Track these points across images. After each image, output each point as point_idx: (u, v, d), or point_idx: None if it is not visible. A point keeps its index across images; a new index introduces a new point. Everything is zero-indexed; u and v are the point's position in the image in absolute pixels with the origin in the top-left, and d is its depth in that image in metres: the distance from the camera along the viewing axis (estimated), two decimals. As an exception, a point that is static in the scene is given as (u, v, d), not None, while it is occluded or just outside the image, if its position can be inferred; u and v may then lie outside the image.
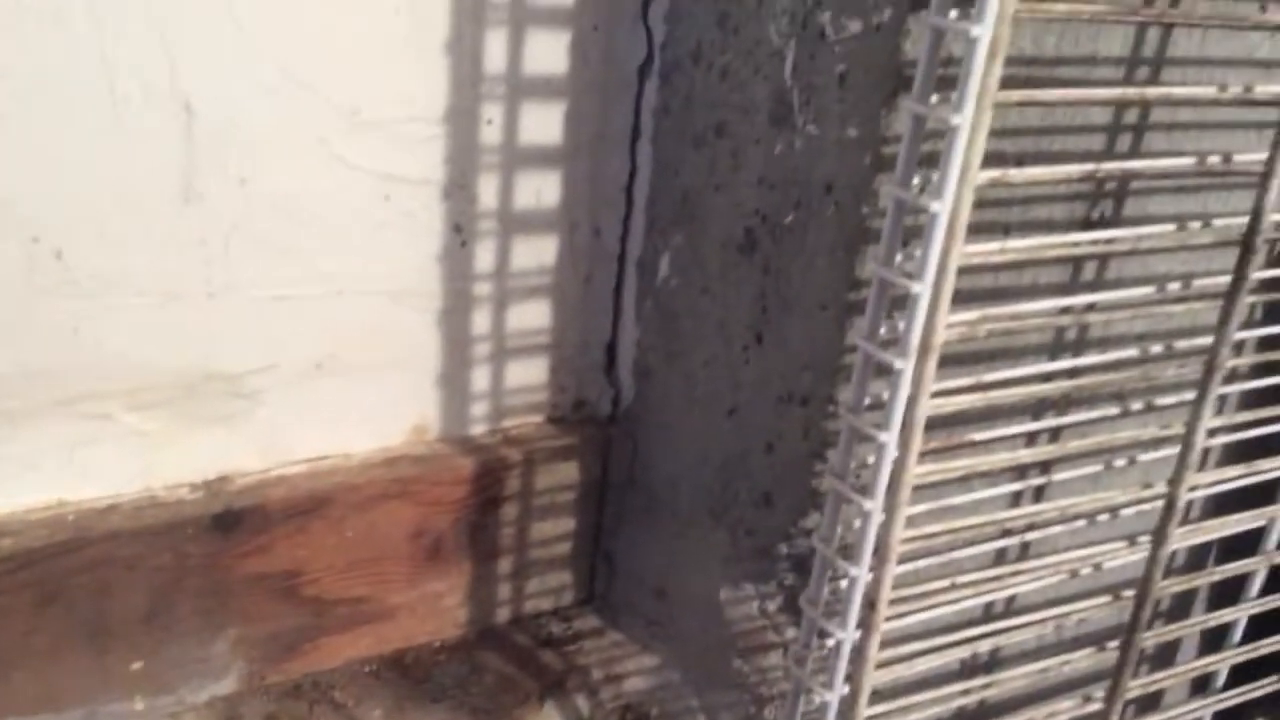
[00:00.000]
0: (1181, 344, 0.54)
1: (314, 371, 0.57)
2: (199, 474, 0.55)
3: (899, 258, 0.43)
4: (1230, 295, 0.47)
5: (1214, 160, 0.47)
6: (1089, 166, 0.44)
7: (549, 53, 0.57)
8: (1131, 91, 0.49)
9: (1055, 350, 0.55)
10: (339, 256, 0.55)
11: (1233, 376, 0.56)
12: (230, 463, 0.56)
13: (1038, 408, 0.55)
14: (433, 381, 0.61)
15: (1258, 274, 0.47)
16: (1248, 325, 0.58)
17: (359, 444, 0.60)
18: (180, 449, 0.54)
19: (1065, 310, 0.51)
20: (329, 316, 0.56)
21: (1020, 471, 0.56)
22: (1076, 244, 0.49)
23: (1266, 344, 0.57)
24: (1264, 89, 0.46)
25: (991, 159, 0.40)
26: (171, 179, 0.50)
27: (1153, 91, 0.49)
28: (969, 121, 0.38)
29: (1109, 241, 0.49)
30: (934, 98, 0.39)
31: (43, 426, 0.51)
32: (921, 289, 0.41)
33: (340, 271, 0.55)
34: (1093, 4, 0.43)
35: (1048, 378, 0.51)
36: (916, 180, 0.41)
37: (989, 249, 0.43)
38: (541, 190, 0.60)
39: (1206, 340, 0.48)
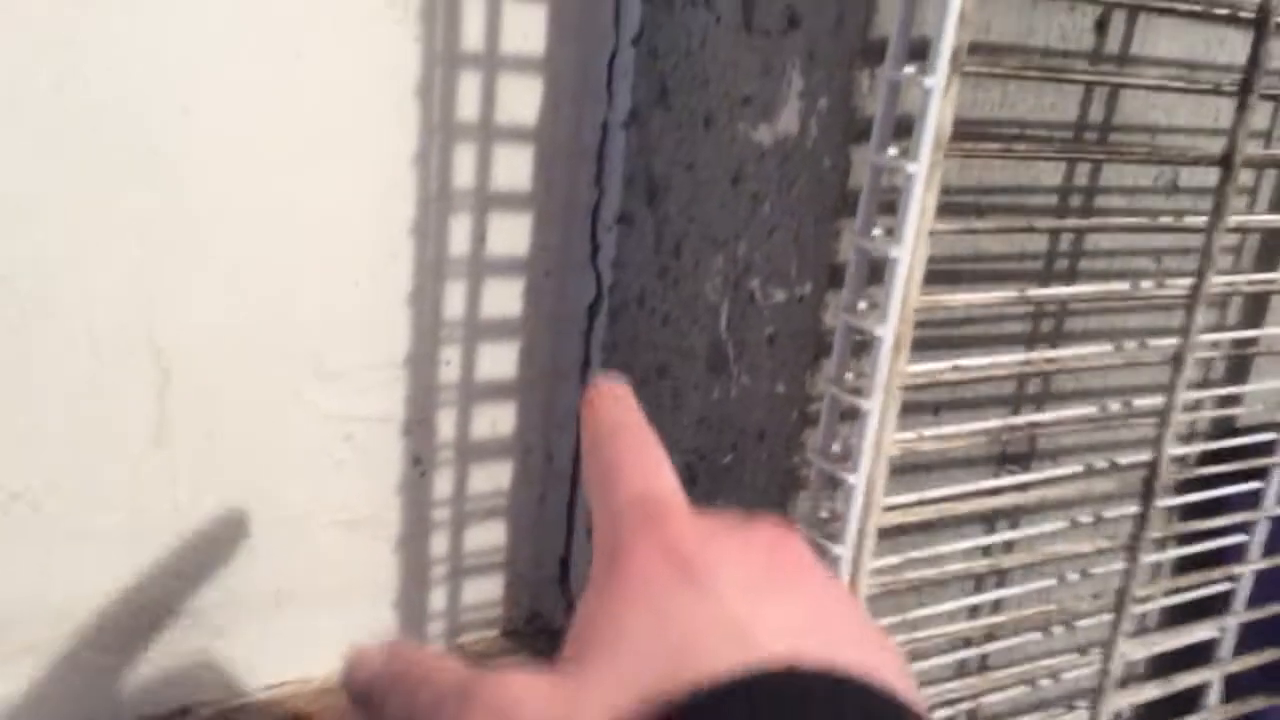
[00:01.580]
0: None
1: (273, 602, 0.59)
2: (161, 706, 0.57)
3: (824, 513, 0.46)
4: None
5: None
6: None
7: (505, 298, 0.61)
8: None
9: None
10: (301, 492, 0.58)
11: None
12: (191, 694, 0.58)
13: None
14: (390, 603, 0.63)
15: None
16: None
17: (318, 668, 0.62)
18: (141, 684, 0.56)
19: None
20: (290, 549, 0.59)
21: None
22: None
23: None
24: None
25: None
26: (145, 426, 0.53)
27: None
28: (879, 405, 0.42)
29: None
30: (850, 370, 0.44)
31: (5, 670, 0.53)
32: (845, 550, 0.44)
33: (302, 506, 0.58)
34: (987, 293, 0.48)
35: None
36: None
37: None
38: (497, 420, 0.64)
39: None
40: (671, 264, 0.59)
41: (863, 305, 0.45)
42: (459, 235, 0.58)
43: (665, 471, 0.29)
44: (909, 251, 0.41)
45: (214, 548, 0.57)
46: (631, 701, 0.23)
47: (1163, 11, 0.50)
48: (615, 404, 0.31)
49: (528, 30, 0.57)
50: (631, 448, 0.30)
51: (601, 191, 0.62)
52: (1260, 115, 0.61)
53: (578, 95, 0.60)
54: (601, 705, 0.24)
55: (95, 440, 0.52)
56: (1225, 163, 0.48)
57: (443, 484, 0.63)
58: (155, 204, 0.50)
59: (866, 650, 0.26)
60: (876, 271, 0.43)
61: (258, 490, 0.57)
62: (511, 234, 0.60)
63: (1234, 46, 0.56)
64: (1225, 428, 0.66)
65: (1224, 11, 0.47)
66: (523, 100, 0.58)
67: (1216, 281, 0.51)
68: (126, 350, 0.51)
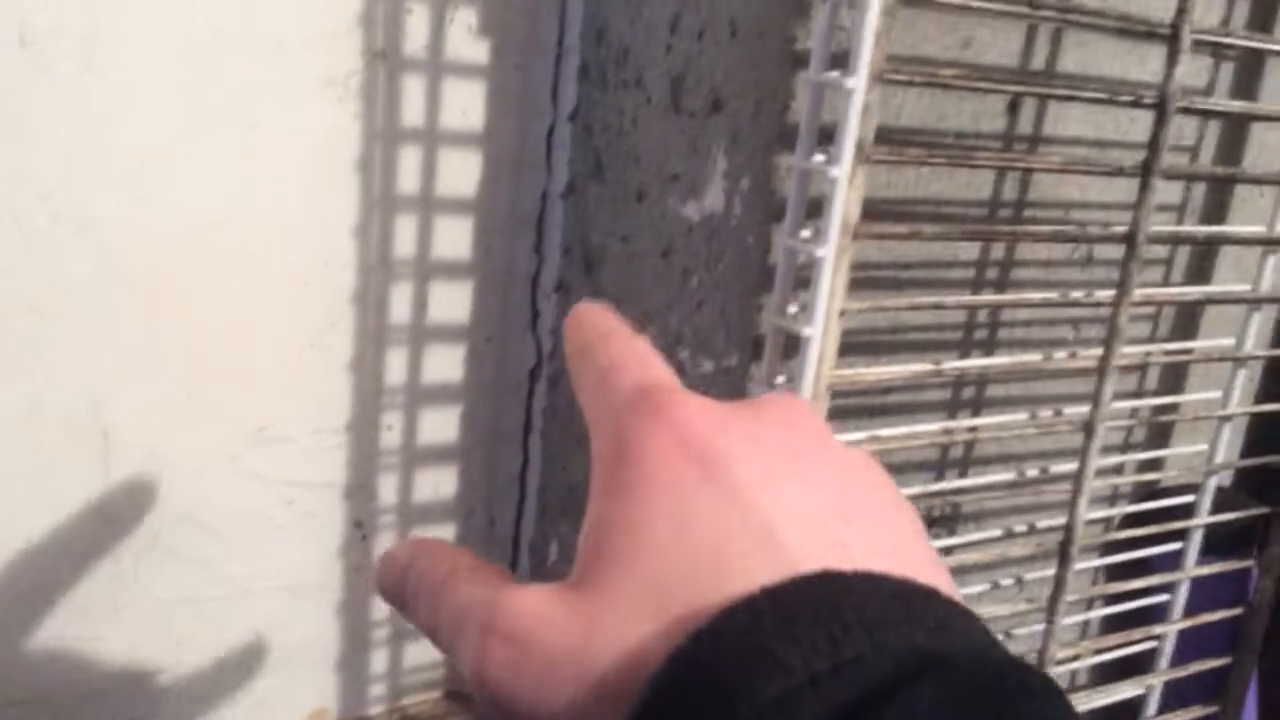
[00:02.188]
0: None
1: (215, 669, 0.60)
2: (98, 773, 0.57)
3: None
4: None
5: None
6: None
7: (446, 363, 0.63)
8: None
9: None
10: (243, 559, 0.59)
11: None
12: (129, 760, 0.58)
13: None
14: (331, 667, 0.64)
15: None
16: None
17: (258, 732, 0.62)
18: (80, 751, 0.57)
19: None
20: (231, 616, 0.59)
21: None
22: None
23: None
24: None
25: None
26: (89, 501, 0.54)
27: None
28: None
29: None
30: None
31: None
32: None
33: (243, 573, 0.59)
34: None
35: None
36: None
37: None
38: (439, 484, 0.65)
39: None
40: (607, 332, 0.60)
41: (781, 379, 0.46)
42: (400, 303, 0.60)
43: (664, 365, 0.27)
44: (820, 329, 0.43)
45: (155, 614, 0.57)
46: (656, 622, 0.22)
47: (1065, 98, 0.52)
48: (601, 314, 0.29)
49: (467, 107, 0.59)
50: (625, 346, 0.28)
51: (541, 260, 0.64)
52: (1171, 191, 0.64)
53: (517, 167, 0.62)
54: (623, 628, 0.22)
55: (36, 510, 0.53)
56: (1129, 240, 0.51)
57: (384, 548, 0.64)
58: (100, 274, 0.51)
59: (899, 532, 0.24)
60: (796, 345, 0.45)
61: (201, 557, 0.58)
62: (452, 301, 0.62)
63: (1144, 125, 0.58)
64: (1148, 491, 0.68)
65: (1128, 98, 0.49)
66: (463, 172, 0.60)
67: (1127, 352, 0.53)
68: (69, 419, 0.52)
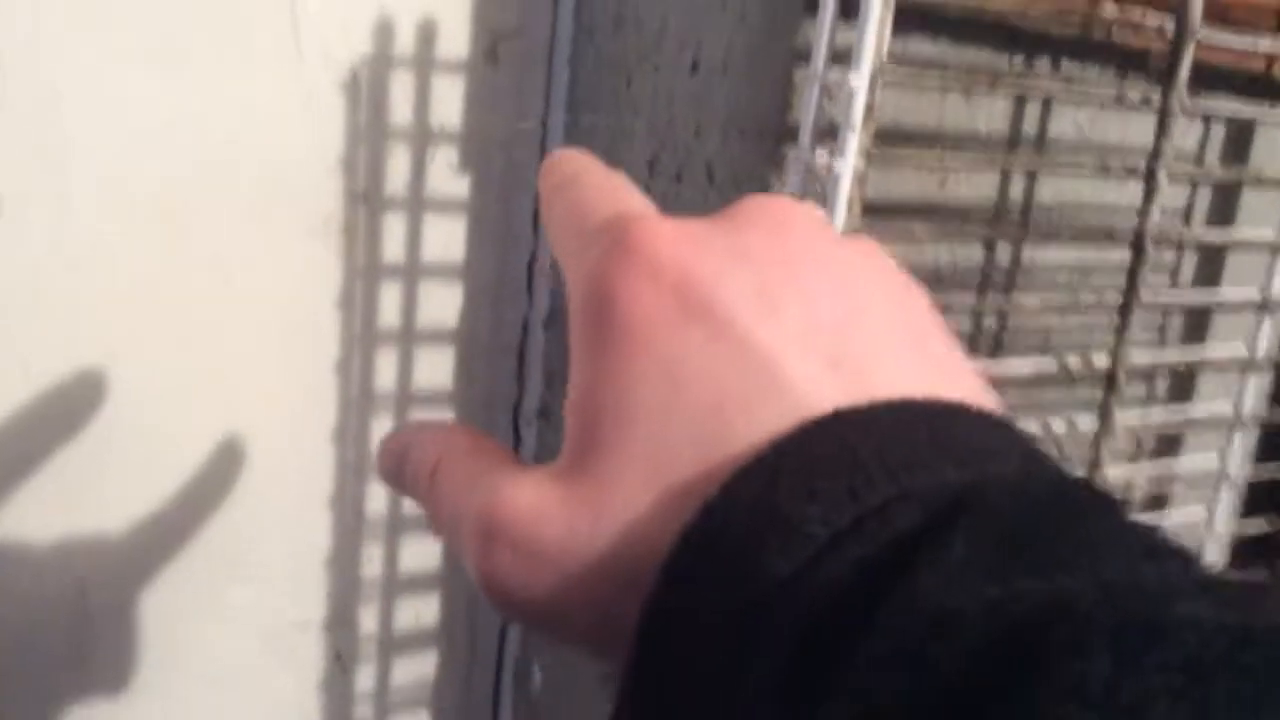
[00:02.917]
0: None
1: (192, 811, 0.58)
2: None
3: None
4: None
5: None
6: None
7: (427, 492, 0.62)
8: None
9: None
10: (221, 697, 0.58)
11: None
12: None
13: None
14: (312, 803, 0.63)
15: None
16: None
17: None
18: None
19: None
20: (209, 756, 0.58)
21: None
22: None
23: None
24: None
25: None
26: (64, 645, 0.53)
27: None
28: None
29: None
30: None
31: None
32: None
33: (221, 710, 0.58)
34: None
35: None
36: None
37: None
38: (420, 613, 0.64)
39: None
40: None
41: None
42: (380, 435, 0.60)
43: (638, 195, 0.24)
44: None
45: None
46: (662, 499, 0.19)
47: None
48: (576, 156, 0.27)
49: (448, 240, 0.59)
50: (598, 180, 0.25)
51: (523, 387, 0.64)
52: (1178, 193, 0.64)
53: (498, 296, 0.62)
54: (628, 511, 0.20)
55: (13, 658, 0.52)
56: (1136, 244, 0.51)
57: (365, 678, 0.63)
58: (74, 437, 0.51)
59: (915, 332, 0.22)
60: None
61: (180, 695, 0.57)
62: (434, 430, 0.62)
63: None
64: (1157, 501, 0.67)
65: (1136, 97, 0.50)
66: (444, 303, 0.60)
67: (1137, 364, 0.53)
68: (44, 566, 0.52)
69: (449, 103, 0.57)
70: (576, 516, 0.20)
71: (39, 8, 0.46)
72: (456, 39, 0.56)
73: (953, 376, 0.21)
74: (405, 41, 0.55)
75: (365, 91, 0.54)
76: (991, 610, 0.16)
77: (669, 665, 0.18)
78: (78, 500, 0.52)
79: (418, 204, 0.57)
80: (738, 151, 0.49)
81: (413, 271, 0.58)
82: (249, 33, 0.51)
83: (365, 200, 0.56)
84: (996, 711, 0.15)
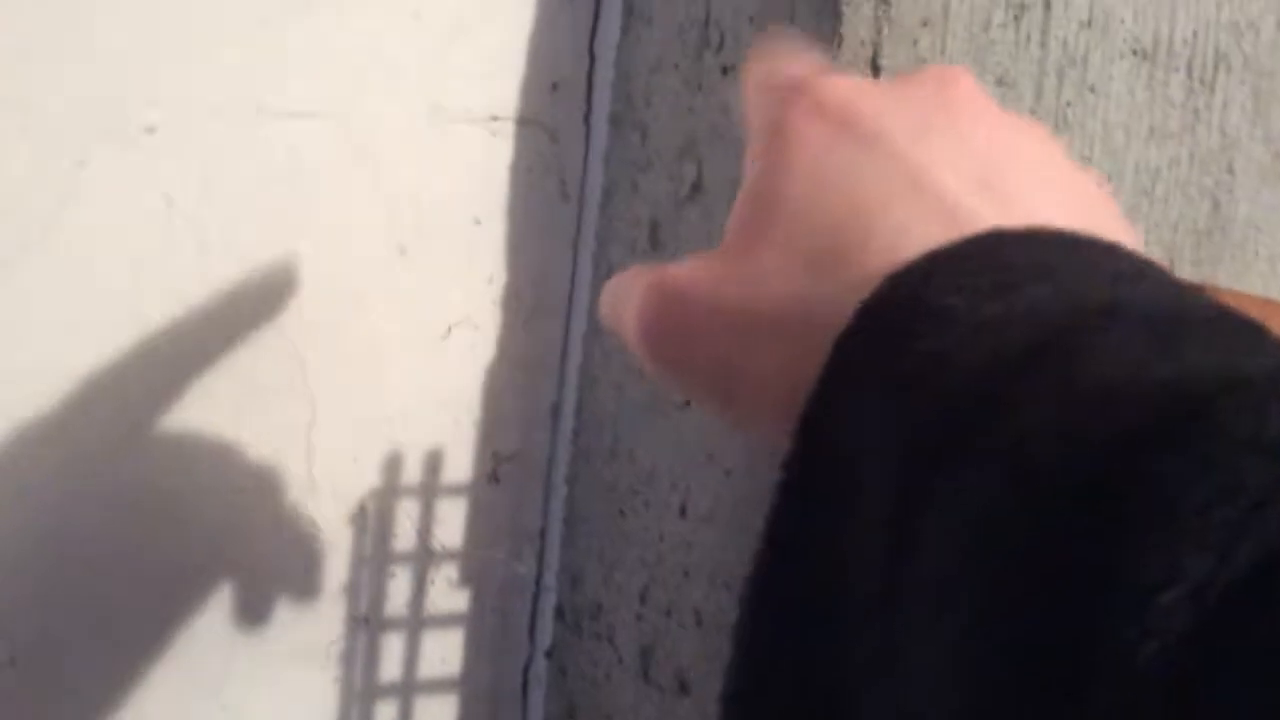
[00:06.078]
0: None
1: None
2: None
3: None
4: None
5: None
6: None
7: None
8: None
9: None
10: None
11: None
12: None
13: None
14: None
15: None
16: None
17: None
18: None
19: None
20: None
21: None
22: None
23: None
24: None
25: None
26: None
27: None
28: None
29: None
30: None
31: None
32: None
33: None
34: None
35: None
36: None
37: None
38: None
39: None
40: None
41: None
42: None
43: (825, 64, 0.26)
44: None
45: None
46: (800, 275, 0.21)
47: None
48: (780, 45, 0.28)
49: (446, 654, 0.60)
50: (792, 57, 0.26)
51: (515, 797, 0.64)
52: None
53: (494, 706, 0.63)
54: (770, 283, 0.21)
55: None
56: None
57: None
58: None
59: (1078, 189, 0.22)
60: None
61: None
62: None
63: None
64: None
65: None
66: (440, 716, 0.61)
67: None
68: None
69: (452, 523, 0.60)
70: (729, 281, 0.22)
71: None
72: (461, 464, 0.60)
73: (1102, 217, 0.21)
74: (413, 471, 0.58)
75: (372, 522, 0.57)
76: (1158, 379, 0.15)
77: (837, 422, 0.19)
78: None
79: (416, 623, 0.59)
80: (725, 602, 0.51)
81: (409, 689, 0.59)
82: (267, 465, 0.55)
83: (366, 623, 0.57)
84: (1170, 462, 0.14)
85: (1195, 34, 0.51)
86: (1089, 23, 0.47)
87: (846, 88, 0.24)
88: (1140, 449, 0.15)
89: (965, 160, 0.22)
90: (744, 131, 0.27)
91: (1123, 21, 0.48)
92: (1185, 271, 0.53)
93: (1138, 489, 0.14)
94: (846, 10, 0.42)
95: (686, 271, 0.24)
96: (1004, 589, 0.15)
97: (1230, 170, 0.54)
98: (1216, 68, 0.52)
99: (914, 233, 0.21)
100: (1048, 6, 0.46)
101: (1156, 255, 0.55)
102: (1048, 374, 0.16)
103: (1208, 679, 0.13)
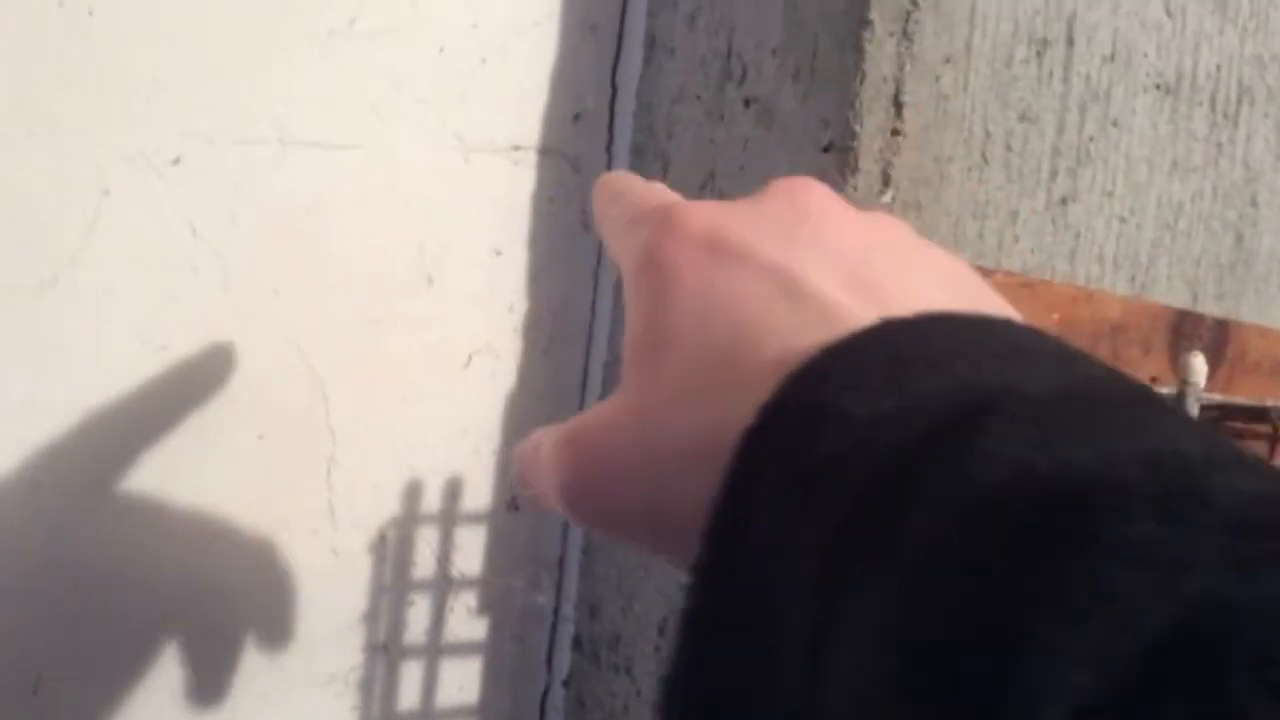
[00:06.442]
0: None
1: None
2: None
3: None
4: None
5: None
6: None
7: None
8: None
9: None
10: None
11: None
12: None
13: None
14: None
15: None
16: None
17: None
18: None
19: None
20: None
21: None
22: None
23: None
24: None
25: None
26: None
27: None
28: None
29: None
30: None
31: None
32: None
33: None
34: None
35: None
36: None
37: None
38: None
39: None
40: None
41: None
42: None
43: (676, 197, 0.28)
44: None
45: None
46: (701, 401, 0.21)
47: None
48: (622, 177, 0.31)
49: (464, 683, 0.60)
50: (643, 190, 0.29)
51: (532, 826, 0.63)
52: None
53: (511, 735, 0.63)
54: (673, 415, 0.22)
55: None
56: None
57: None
58: None
59: (950, 274, 0.23)
60: None
61: None
62: None
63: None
64: None
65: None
66: (457, 745, 0.61)
67: None
68: None
69: (471, 551, 0.60)
70: (633, 423, 0.23)
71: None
72: (481, 492, 0.60)
73: (973, 293, 0.22)
74: (432, 499, 0.58)
75: (392, 550, 0.57)
76: (1035, 480, 0.16)
77: (741, 527, 0.20)
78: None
79: (435, 651, 0.59)
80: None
81: (427, 717, 0.59)
82: (288, 492, 0.55)
83: (385, 650, 0.57)
84: (1044, 574, 0.15)
85: (1219, 68, 0.51)
86: (1111, 57, 0.47)
87: (708, 211, 0.25)
88: (1025, 567, 0.15)
89: (834, 261, 0.23)
90: (614, 269, 0.29)
91: (1145, 56, 0.48)
92: (1209, 305, 0.53)
93: (1023, 605, 0.15)
94: (869, 46, 0.42)
95: (592, 421, 0.25)
96: (908, 696, 0.16)
97: (1254, 203, 0.54)
98: (1240, 101, 0.52)
99: (800, 335, 0.21)
100: (1070, 42, 0.46)
101: (1179, 289, 0.55)
102: (940, 477, 0.17)
103: None
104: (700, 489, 0.21)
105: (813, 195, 0.25)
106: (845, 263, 0.23)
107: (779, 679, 0.18)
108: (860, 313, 0.21)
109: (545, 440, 0.26)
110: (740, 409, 0.20)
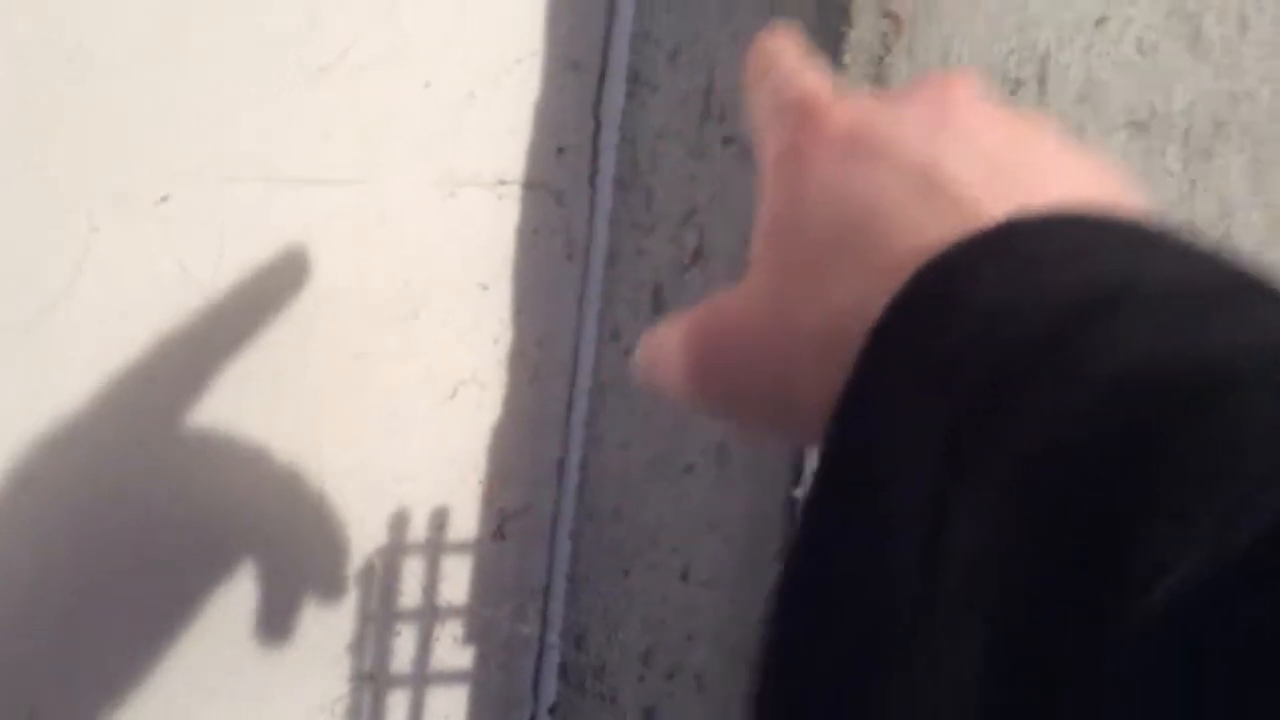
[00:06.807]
0: None
1: None
2: None
3: None
4: None
5: None
6: None
7: None
8: None
9: None
10: None
11: None
12: None
13: None
14: None
15: None
16: None
17: None
18: None
19: None
20: None
21: None
22: None
23: None
24: None
25: None
26: None
27: None
28: None
29: None
30: None
31: None
32: None
33: None
34: None
35: None
36: None
37: None
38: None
39: None
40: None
41: None
42: None
43: (822, 79, 0.27)
44: None
45: None
46: (827, 288, 0.21)
47: None
48: (775, 46, 0.30)
49: (450, 711, 0.61)
50: (790, 67, 0.28)
51: None
52: None
53: (497, 761, 0.63)
54: (812, 299, 0.22)
55: None
56: None
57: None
58: None
59: (1090, 172, 0.23)
60: None
61: None
62: None
63: None
64: None
65: None
66: (444, 771, 0.61)
67: None
68: None
69: (457, 580, 0.60)
70: (764, 309, 0.23)
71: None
72: (467, 521, 0.60)
73: (1112, 193, 0.22)
74: (419, 528, 0.59)
75: (378, 579, 0.58)
76: (1163, 364, 0.16)
77: (866, 415, 0.20)
78: None
79: (421, 679, 0.59)
80: (725, 666, 0.51)
81: (414, 745, 0.59)
82: (275, 522, 0.55)
83: (371, 680, 0.58)
84: (1172, 450, 0.15)
85: (1192, 104, 0.51)
86: (1084, 97, 0.48)
87: (851, 112, 0.25)
88: (1153, 443, 0.15)
89: (974, 155, 0.23)
90: (755, 142, 0.29)
91: (1118, 94, 0.49)
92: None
93: (1145, 481, 0.15)
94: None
95: (722, 306, 0.25)
96: (1024, 572, 0.16)
97: (1228, 235, 0.54)
98: (1214, 136, 0.52)
99: (932, 228, 0.21)
100: (1042, 82, 0.47)
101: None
102: (1065, 364, 0.17)
103: (1211, 646, 0.14)
104: (828, 373, 0.21)
105: (961, 88, 0.25)
106: (985, 156, 0.23)
107: (898, 564, 0.19)
108: (994, 208, 0.22)
109: (669, 331, 0.26)
110: (870, 298, 0.21)
